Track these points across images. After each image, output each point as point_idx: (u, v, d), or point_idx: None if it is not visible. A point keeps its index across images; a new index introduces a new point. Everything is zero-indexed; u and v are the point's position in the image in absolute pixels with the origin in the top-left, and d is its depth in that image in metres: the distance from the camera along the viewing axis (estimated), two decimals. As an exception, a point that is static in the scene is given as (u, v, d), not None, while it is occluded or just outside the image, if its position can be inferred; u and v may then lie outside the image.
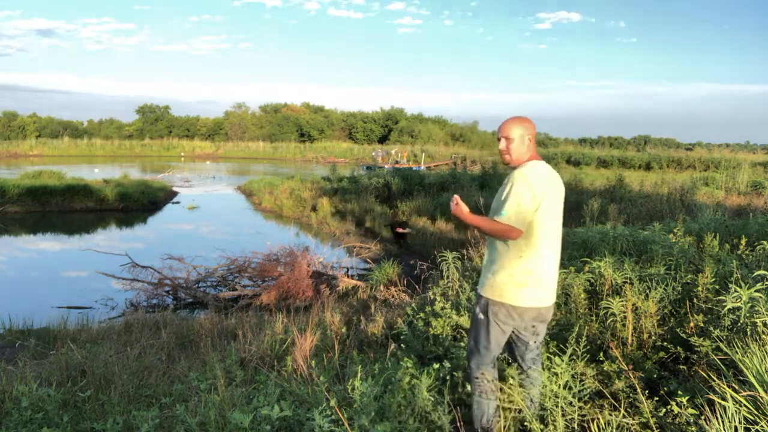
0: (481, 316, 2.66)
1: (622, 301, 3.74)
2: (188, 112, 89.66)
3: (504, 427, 2.71)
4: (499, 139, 2.71)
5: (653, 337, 3.69)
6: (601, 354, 3.35)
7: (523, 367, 2.80)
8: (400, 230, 8.89)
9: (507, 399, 2.73)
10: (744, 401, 2.23)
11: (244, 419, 2.53)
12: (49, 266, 10.86)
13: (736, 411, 2.14)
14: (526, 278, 2.57)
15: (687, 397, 2.50)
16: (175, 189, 22.75)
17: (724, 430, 2.11)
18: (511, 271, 2.57)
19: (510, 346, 2.80)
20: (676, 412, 2.51)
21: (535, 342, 2.78)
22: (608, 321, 3.82)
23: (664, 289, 4.02)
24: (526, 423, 2.68)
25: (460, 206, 2.65)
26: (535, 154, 2.69)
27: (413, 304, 5.03)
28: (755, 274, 3.92)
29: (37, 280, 9.73)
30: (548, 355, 3.32)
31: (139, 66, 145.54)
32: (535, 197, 2.52)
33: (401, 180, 17.05)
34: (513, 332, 2.70)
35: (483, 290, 2.66)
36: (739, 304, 3.31)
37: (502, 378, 2.85)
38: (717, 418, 2.13)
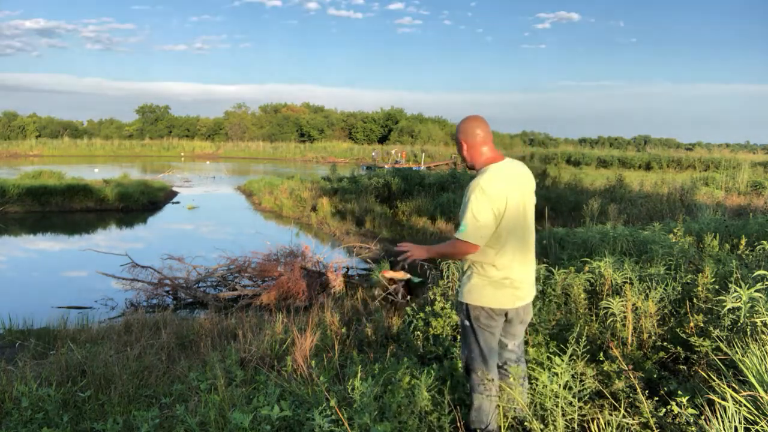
0: (467, 322, 2.66)
1: (622, 301, 3.74)
2: (188, 112, 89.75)
3: (504, 427, 2.71)
4: (458, 144, 2.66)
5: (653, 337, 3.69)
6: (601, 354, 3.35)
7: (502, 368, 2.80)
8: (392, 275, 4.89)
9: (507, 399, 2.73)
10: (744, 401, 2.23)
11: (244, 419, 2.53)
12: (49, 266, 10.86)
13: (736, 411, 2.14)
14: (503, 281, 2.57)
15: (687, 397, 2.50)
16: (175, 189, 22.74)
17: (724, 430, 2.11)
18: (487, 276, 2.57)
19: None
20: (676, 412, 2.51)
21: (514, 343, 2.78)
22: (608, 321, 3.82)
23: (664, 289, 4.02)
24: (526, 423, 2.68)
25: (413, 251, 2.59)
26: (495, 154, 2.62)
27: (413, 304, 5.03)
28: (755, 274, 3.92)
29: (37, 280, 9.73)
30: (548, 355, 3.32)
31: (139, 66, 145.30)
32: (497, 208, 2.47)
33: (401, 180, 17.04)
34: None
35: (462, 297, 2.65)
36: (739, 304, 3.31)
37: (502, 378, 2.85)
38: (717, 418, 2.13)
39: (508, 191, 2.51)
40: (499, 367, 2.80)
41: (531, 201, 2.68)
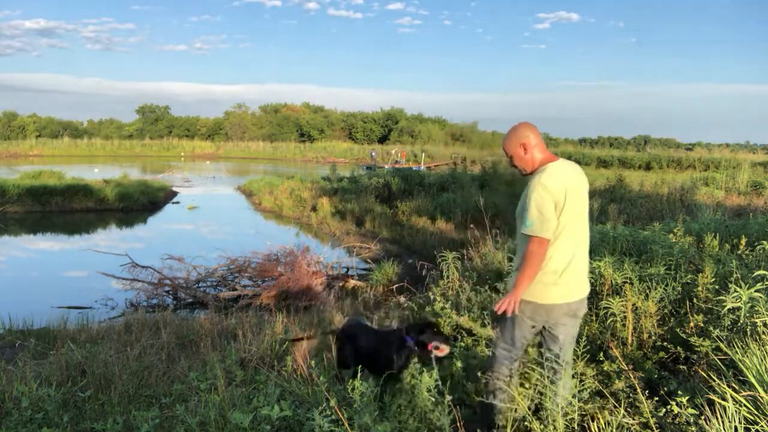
0: (507, 315, 2.68)
1: (622, 301, 3.74)
2: (188, 112, 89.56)
3: (509, 427, 2.71)
4: (516, 150, 2.74)
5: (653, 337, 3.69)
6: (601, 354, 3.35)
7: (552, 366, 2.80)
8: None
9: (508, 399, 2.73)
10: (744, 401, 2.23)
11: (244, 419, 2.53)
12: (49, 266, 10.86)
13: (736, 411, 2.14)
14: (554, 278, 2.62)
15: (687, 397, 2.50)
16: (175, 189, 22.74)
17: (724, 430, 2.11)
18: (541, 271, 2.60)
19: (540, 344, 2.84)
20: (676, 412, 2.51)
21: (564, 337, 2.78)
22: (608, 321, 3.82)
23: (664, 289, 4.01)
24: (526, 423, 2.68)
25: (508, 300, 2.57)
26: (548, 154, 2.73)
27: (413, 304, 5.03)
28: (755, 274, 3.92)
29: (37, 280, 9.73)
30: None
31: (139, 66, 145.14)
32: (557, 202, 2.57)
33: (401, 180, 17.03)
34: (543, 328, 2.74)
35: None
36: (739, 304, 3.30)
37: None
38: (717, 418, 2.13)
39: (567, 186, 2.61)
40: (538, 363, 2.82)
41: (586, 199, 2.76)
